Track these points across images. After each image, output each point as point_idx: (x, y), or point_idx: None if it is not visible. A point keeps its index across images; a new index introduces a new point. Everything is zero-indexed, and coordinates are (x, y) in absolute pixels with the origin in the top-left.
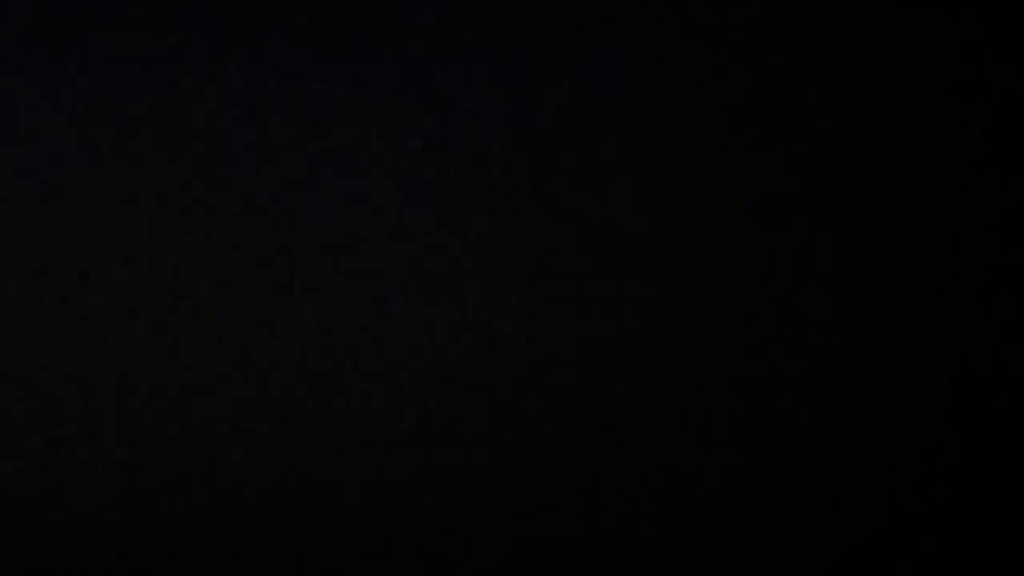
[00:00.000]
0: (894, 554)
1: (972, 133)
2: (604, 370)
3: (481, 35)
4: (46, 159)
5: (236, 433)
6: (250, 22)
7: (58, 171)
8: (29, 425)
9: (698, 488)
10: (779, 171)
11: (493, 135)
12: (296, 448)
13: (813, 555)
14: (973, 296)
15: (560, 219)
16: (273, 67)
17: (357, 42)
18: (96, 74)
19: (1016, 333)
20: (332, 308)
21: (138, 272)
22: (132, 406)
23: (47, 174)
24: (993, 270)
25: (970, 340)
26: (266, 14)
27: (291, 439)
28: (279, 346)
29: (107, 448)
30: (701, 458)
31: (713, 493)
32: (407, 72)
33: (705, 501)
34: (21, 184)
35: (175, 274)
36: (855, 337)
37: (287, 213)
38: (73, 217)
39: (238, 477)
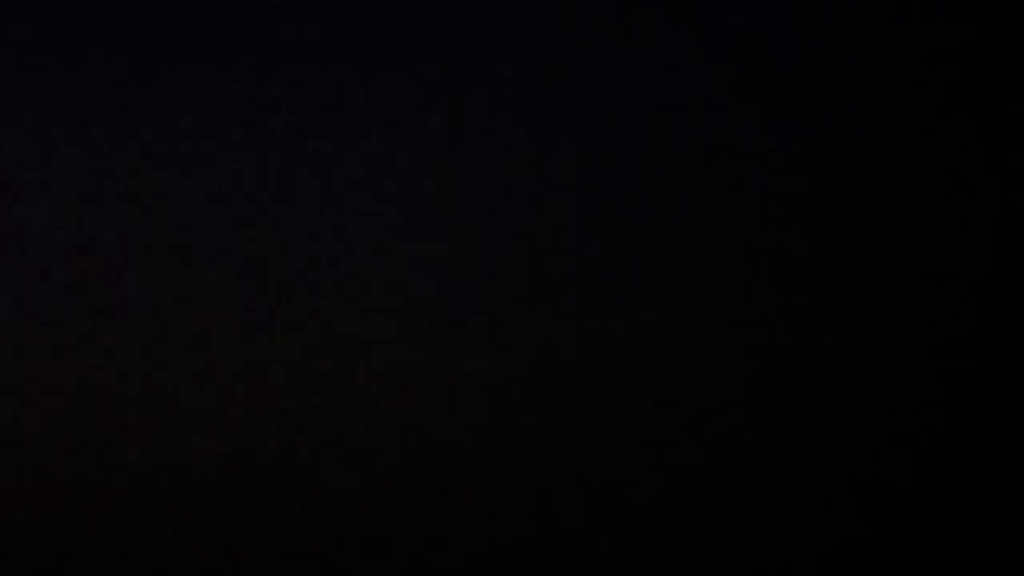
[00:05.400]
0: (893, 554)
1: (971, 132)
2: (604, 370)
3: (481, 35)
4: (41, 155)
5: (235, 432)
6: (248, 21)
7: (54, 169)
8: (28, 424)
9: (697, 488)
10: (778, 170)
11: (493, 134)
12: (295, 448)
13: (813, 555)
14: (972, 296)
15: (560, 219)
16: (272, 67)
17: (356, 41)
18: (91, 72)
19: (1016, 333)
20: (331, 308)
21: (138, 271)
22: (130, 405)
23: (44, 171)
24: (993, 270)
25: (969, 340)
26: (264, 14)
27: (290, 439)
28: (278, 346)
29: (104, 447)
30: (701, 458)
31: (712, 493)
32: (406, 72)
33: (704, 501)
34: (17, 181)
35: (174, 273)
36: (855, 337)
37: (287, 213)
38: (71, 216)
39: (236, 477)
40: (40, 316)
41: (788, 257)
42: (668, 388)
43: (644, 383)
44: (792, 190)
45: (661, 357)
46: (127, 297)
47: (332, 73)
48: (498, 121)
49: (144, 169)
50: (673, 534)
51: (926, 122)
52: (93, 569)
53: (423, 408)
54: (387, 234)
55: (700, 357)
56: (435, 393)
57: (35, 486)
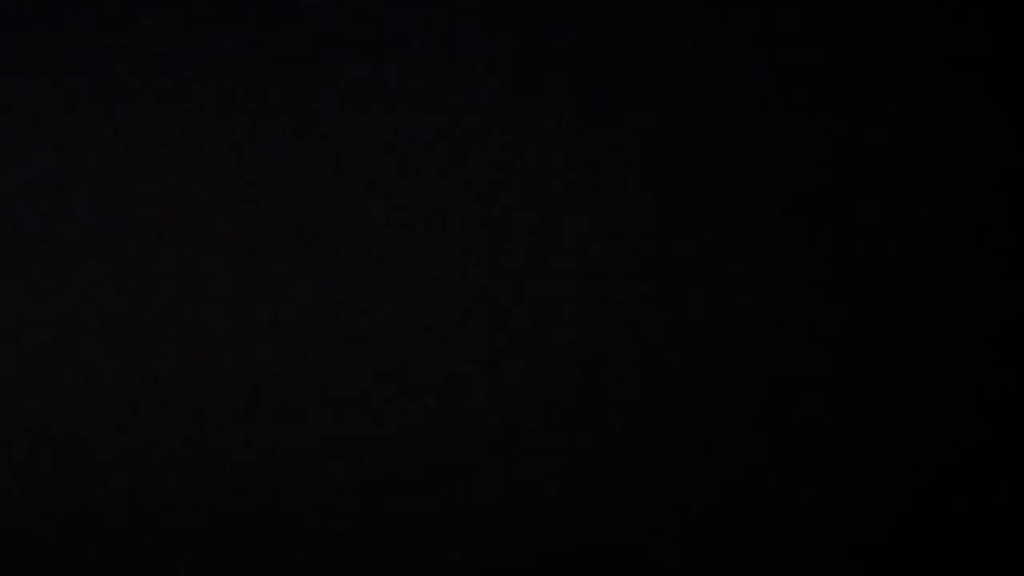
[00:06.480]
0: (894, 554)
1: (970, 131)
2: (604, 369)
3: (482, 35)
4: (42, 156)
5: (236, 431)
6: (249, 20)
7: (53, 168)
8: (29, 423)
9: (698, 487)
10: (779, 170)
11: (495, 134)
12: (295, 446)
13: (813, 556)
14: (972, 296)
15: (561, 218)
16: (277, 67)
17: (359, 42)
18: (93, 72)
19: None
20: (331, 306)
21: (140, 270)
22: (133, 403)
23: (45, 171)
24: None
25: (971, 340)
26: (266, 13)
27: (290, 437)
28: (279, 344)
29: (104, 447)
30: (701, 459)
31: (713, 493)
32: (408, 73)
33: (705, 501)
34: (18, 181)
35: (175, 272)
36: (856, 337)
37: (287, 213)
38: (72, 214)
39: (237, 476)
40: (39, 315)
41: (790, 257)
42: (670, 388)
43: (647, 383)
44: (793, 190)
45: (663, 357)
46: (129, 295)
47: (330, 72)
48: (499, 120)
49: (146, 167)
50: (676, 535)
51: (927, 122)
52: (92, 569)
53: (425, 408)
54: (388, 233)
55: (703, 358)
56: (437, 393)
57: (33, 486)
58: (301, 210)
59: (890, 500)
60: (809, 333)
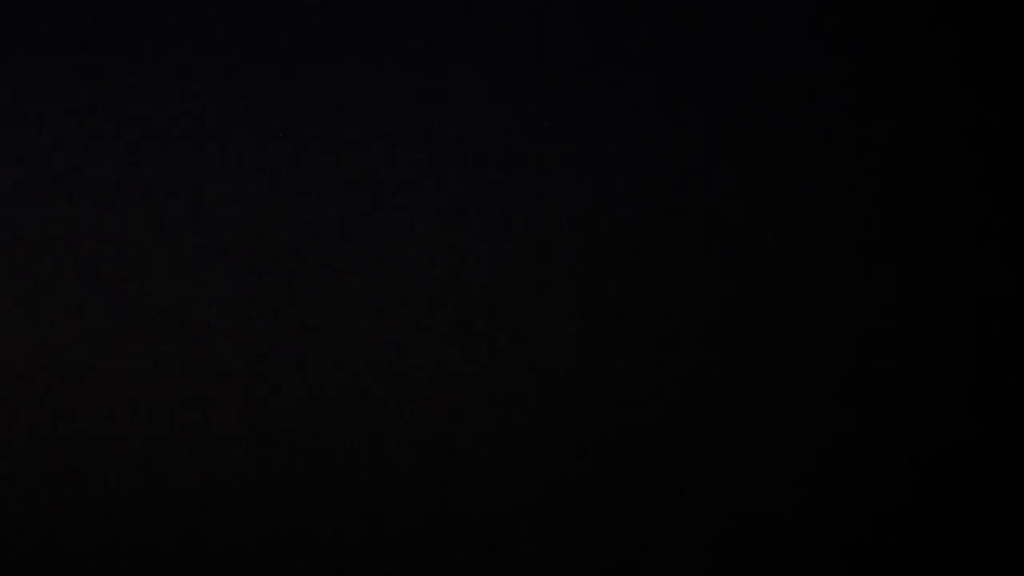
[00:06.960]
0: (894, 555)
1: (970, 131)
2: (604, 370)
3: (481, 35)
4: (47, 156)
5: (237, 435)
6: (253, 23)
7: (58, 168)
8: (30, 426)
9: (697, 488)
10: (778, 170)
11: (494, 135)
12: (296, 446)
13: (813, 555)
14: (973, 295)
15: (561, 219)
16: (274, 67)
17: (360, 42)
18: (99, 73)
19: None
20: (333, 310)
21: (140, 270)
22: (133, 403)
23: (49, 171)
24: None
25: (972, 340)
26: (269, 15)
27: (292, 441)
28: (280, 348)
29: (104, 446)
30: (701, 459)
31: (712, 493)
32: (408, 73)
33: (705, 502)
34: (22, 180)
35: (175, 274)
36: (854, 337)
37: (287, 213)
38: (72, 214)
39: (238, 481)
40: (40, 315)
41: (789, 257)
42: (670, 388)
43: (647, 383)
44: (792, 190)
45: (663, 357)
46: (129, 294)
47: (335, 72)
48: (498, 120)
49: (146, 167)
50: (675, 534)
51: (926, 121)
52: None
53: (425, 408)
54: (388, 232)
55: (702, 357)
56: (437, 393)
57: (32, 486)
58: (300, 210)
59: (890, 500)
60: (808, 333)
